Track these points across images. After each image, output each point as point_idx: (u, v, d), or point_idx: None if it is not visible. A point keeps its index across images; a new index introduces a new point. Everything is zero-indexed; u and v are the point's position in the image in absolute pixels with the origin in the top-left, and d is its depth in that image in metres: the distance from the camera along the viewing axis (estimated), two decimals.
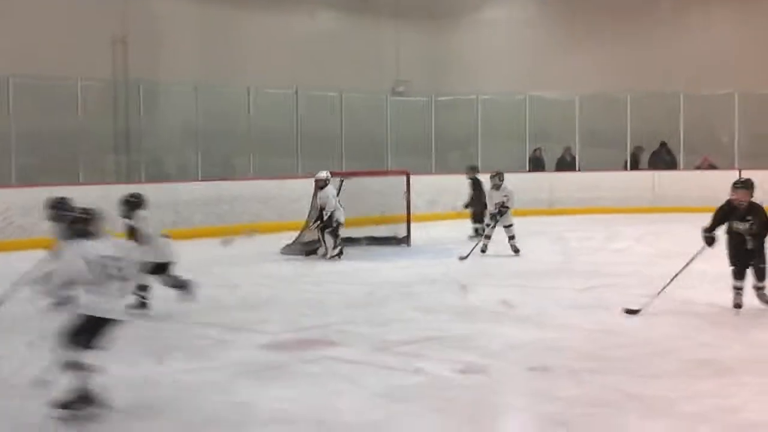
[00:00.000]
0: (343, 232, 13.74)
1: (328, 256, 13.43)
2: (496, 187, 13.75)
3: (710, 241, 8.99)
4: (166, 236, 9.64)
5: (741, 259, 8.84)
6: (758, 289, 8.81)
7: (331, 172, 14.12)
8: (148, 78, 18.20)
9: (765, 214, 8.87)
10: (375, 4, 23.05)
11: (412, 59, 23.34)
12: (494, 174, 13.93)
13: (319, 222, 13.52)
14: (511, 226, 13.59)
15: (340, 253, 13.47)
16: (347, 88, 20.35)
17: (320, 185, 13.67)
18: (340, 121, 20.22)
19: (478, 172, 16.78)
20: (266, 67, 19.93)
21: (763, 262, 8.71)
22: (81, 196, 15.36)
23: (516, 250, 13.45)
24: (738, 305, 8.83)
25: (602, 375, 6.55)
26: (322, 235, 13.54)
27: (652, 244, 15.11)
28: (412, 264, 13.04)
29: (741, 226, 8.83)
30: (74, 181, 16.17)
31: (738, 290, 8.87)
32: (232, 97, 19.05)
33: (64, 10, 17.66)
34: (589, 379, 6.43)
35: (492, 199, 13.75)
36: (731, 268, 8.94)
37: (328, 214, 13.34)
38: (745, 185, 9.07)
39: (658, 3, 23.14)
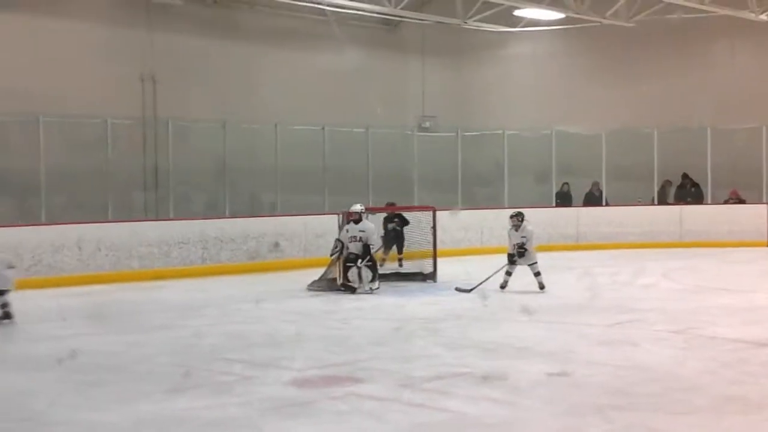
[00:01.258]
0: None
1: (367, 288, 13.48)
2: (516, 227, 13.50)
3: None
4: (11, 266, 11.06)
5: None
6: None
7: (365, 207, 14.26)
8: (176, 115, 18.35)
9: None
10: (401, 40, 23.22)
11: (438, 94, 23.45)
12: (514, 214, 13.68)
13: (349, 254, 13.61)
14: (535, 263, 13.41)
15: (377, 286, 13.59)
16: (374, 124, 20.45)
17: (355, 218, 13.76)
18: (366, 157, 20.29)
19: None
20: (293, 104, 20.07)
21: None
22: (110, 233, 15.71)
23: (542, 287, 13.30)
24: None
25: (630, 412, 6.50)
26: (357, 270, 13.58)
27: (679, 279, 15.01)
28: (438, 300, 13.03)
29: None
30: (104, 219, 16.32)
31: None
32: (259, 134, 19.18)
33: (93, 49, 17.90)
34: (615, 416, 6.39)
35: (511, 240, 13.52)
36: None
37: (375, 247, 13.62)
38: None
39: (683, 37, 23.09)
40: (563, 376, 7.72)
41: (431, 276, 14.95)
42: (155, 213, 18.19)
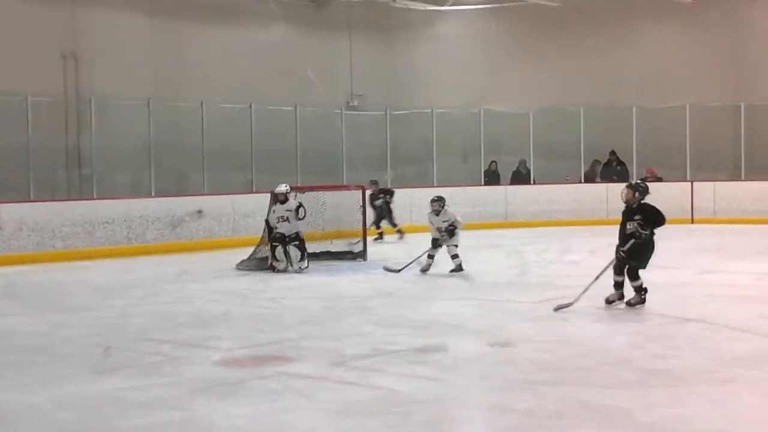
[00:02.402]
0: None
1: (296, 267, 13.40)
2: (436, 212, 12.96)
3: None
4: None
5: None
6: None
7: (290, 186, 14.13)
8: (100, 93, 18.01)
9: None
10: (329, 18, 23.07)
11: (367, 73, 23.39)
12: (435, 199, 13.08)
13: (276, 234, 13.52)
14: (456, 245, 12.95)
15: (306, 265, 13.52)
16: (302, 102, 20.31)
17: (281, 199, 13.68)
18: (295, 136, 20.15)
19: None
20: (220, 82, 19.84)
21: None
22: (32, 213, 15.37)
23: (460, 269, 12.85)
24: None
25: (560, 386, 6.55)
26: (283, 249, 13.51)
27: (607, 256, 15.12)
28: (369, 278, 13.01)
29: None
30: (25, 198, 15.95)
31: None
32: (186, 112, 18.92)
33: (12, 25, 17.46)
34: (545, 391, 6.43)
35: (433, 224, 13.00)
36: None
37: (298, 227, 13.54)
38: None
39: (610, 15, 23.39)
40: (494, 353, 7.75)
41: (361, 255, 14.94)
42: (79, 192, 17.85)
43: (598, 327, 8.89)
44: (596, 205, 21.47)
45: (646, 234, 9.71)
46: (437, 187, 21.22)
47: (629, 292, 9.78)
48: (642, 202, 9.93)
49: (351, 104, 22.99)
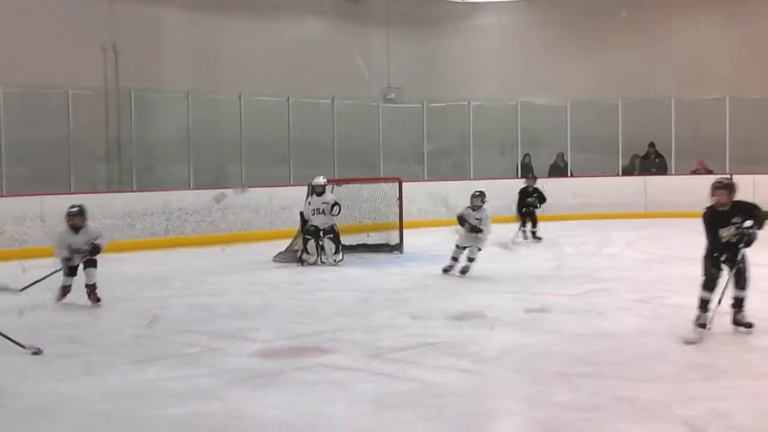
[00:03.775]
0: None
1: (331, 260, 13.43)
2: (475, 207, 12.35)
3: None
4: None
5: None
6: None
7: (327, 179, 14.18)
8: (139, 86, 18.15)
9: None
10: (365, 12, 23.08)
11: (403, 66, 23.38)
12: (477, 194, 12.49)
13: (310, 227, 13.55)
14: (480, 250, 12.28)
15: (341, 258, 13.54)
16: (339, 95, 20.34)
17: (318, 191, 13.70)
18: (331, 129, 20.19)
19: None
20: (258, 75, 19.92)
21: None
22: (71, 204, 15.52)
23: (465, 271, 12.15)
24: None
25: (596, 379, 6.53)
26: (316, 242, 13.54)
27: (644, 249, 15.11)
28: (405, 271, 13.03)
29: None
30: (66, 191, 16.13)
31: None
32: (224, 106, 19.02)
33: (54, 19, 17.65)
34: (582, 384, 6.42)
35: (466, 219, 12.30)
36: None
37: (332, 220, 13.58)
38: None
39: (647, 7, 23.20)
40: (530, 346, 7.73)
41: (397, 247, 14.95)
42: (118, 185, 18.02)
43: (634, 321, 8.83)
44: (634, 198, 21.34)
45: (753, 232, 8.02)
46: (473, 179, 21.23)
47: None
48: (735, 200, 8.21)
49: (388, 97, 22.99)
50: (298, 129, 19.38)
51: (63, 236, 10.25)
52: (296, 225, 14.48)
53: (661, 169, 22.56)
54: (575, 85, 22.67)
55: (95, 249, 10.11)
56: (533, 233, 16.79)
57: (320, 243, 13.55)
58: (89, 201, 15.73)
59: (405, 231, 15.16)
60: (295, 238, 14.30)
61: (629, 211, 20.73)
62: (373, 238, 15.14)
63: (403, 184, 15.49)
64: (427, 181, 20.99)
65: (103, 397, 6.23)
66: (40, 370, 7.06)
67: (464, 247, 12.22)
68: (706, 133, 21.91)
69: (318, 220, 13.61)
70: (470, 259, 12.19)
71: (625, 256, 14.28)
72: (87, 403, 6.09)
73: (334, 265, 13.37)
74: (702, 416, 5.62)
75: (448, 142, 22.41)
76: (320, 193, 13.74)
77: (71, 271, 10.16)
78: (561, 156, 22.62)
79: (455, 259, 12.27)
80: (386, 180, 16.62)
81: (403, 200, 15.31)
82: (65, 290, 10.14)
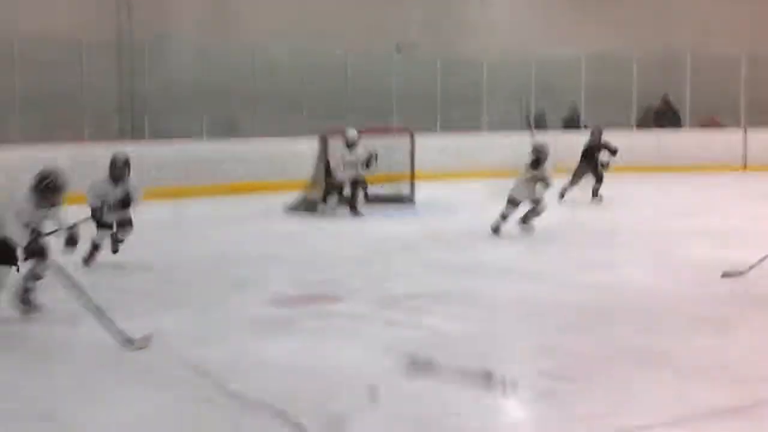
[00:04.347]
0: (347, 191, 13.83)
1: (358, 213, 13.46)
2: (536, 163, 11.55)
3: None
4: None
5: None
6: None
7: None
8: (152, 37, 18.09)
9: None
10: None
11: (418, 19, 23.15)
12: (539, 148, 11.73)
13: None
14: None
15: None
16: (352, 47, 20.23)
17: (350, 144, 13.65)
18: (345, 81, 20.11)
19: None
20: (272, 26, 19.79)
21: None
22: (86, 154, 15.55)
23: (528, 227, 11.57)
24: None
25: (606, 330, 6.60)
26: (340, 194, 13.55)
27: (658, 203, 15.09)
28: (417, 221, 13.07)
29: None
30: (79, 140, 16.15)
31: None
32: (237, 57, 18.92)
33: None
34: (590, 334, 6.49)
35: (524, 177, 11.57)
36: None
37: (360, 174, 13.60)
38: None
39: None
40: (542, 296, 7.79)
41: (409, 198, 14.98)
42: (132, 135, 18.03)
43: (647, 274, 8.87)
44: (647, 152, 21.21)
45: None
46: (488, 132, 21.20)
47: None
48: None
49: (402, 51, 22.81)
50: (310, 80, 19.30)
51: (100, 186, 9.26)
52: (307, 176, 14.50)
53: (675, 123, 22.45)
54: (591, 38, 22.43)
55: (128, 201, 9.30)
56: (596, 191, 15.30)
57: (345, 195, 13.58)
58: (103, 151, 15.90)
59: (417, 183, 15.17)
60: (309, 188, 14.33)
61: (642, 165, 20.63)
62: (386, 190, 15.15)
63: (416, 136, 15.46)
64: (440, 133, 20.90)
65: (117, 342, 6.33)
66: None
67: (516, 205, 11.42)
68: (721, 88, 21.73)
69: (349, 173, 13.60)
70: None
71: (640, 210, 14.27)
72: (99, 347, 6.17)
73: (358, 216, 13.34)
74: (708, 367, 5.69)
75: (461, 95, 22.26)
76: (352, 146, 13.69)
77: (104, 226, 9.29)
78: (575, 108, 22.52)
79: (505, 217, 11.40)
80: (398, 132, 16.58)
81: (416, 152, 15.30)
82: (95, 249, 9.29)
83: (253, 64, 18.60)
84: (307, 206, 13.99)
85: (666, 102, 22.61)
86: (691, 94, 21.85)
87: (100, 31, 17.71)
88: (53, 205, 7.17)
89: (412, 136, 15.36)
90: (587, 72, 21.88)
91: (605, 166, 15.43)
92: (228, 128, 18.96)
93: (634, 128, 22.29)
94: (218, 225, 12.79)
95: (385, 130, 16.87)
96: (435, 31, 23.00)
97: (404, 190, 15.11)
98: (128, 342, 6.07)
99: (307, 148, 15.11)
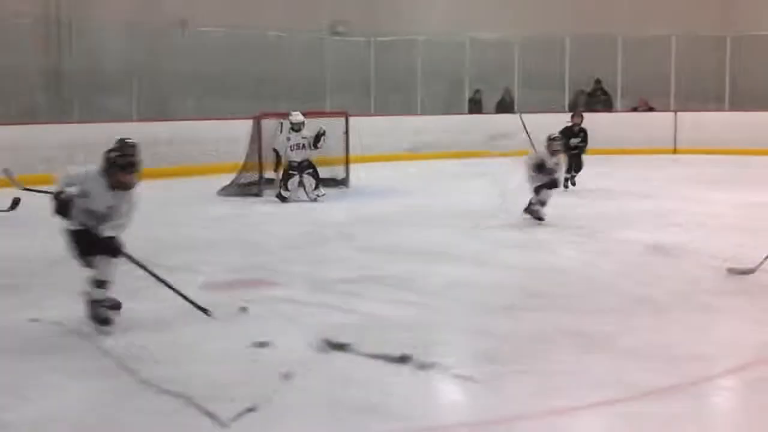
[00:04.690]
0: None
1: (313, 196, 13.21)
2: (556, 151, 11.42)
3: None
4: None
5: None
6: None
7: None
8: (80, 14, 17.67)
9: None
10: None
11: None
12: (557, 137, 11.67)
13: (291, 163, 13.27)
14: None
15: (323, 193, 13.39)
16: (284, 27, 20.01)
17: (296, 128, 13.40)
18: (277, 62, 19.89)
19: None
20: (203, 5, 19.47)
21: None
22: (11, 136, 15.15)
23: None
24: None
25: (541, 312, 6.60)
26: (299, 177, 13.31)
27: (590, 185, 15.18)
28: (352, 205, 12.98)
29: None
30: (4, 121, 15.74)
31: None
32: (168, 36, 18.61)
33: None
34: (527, 316, 6.48)
35: (546, 162, 11.26)
36: None
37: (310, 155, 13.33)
38: None
39: None
40: (477, 279, 7.77)
41: (344, 182, 14.88)
42: (59, 116, 17.60)
43: (581, 255, 8.93)
44: None
45: None
46: (421, 115, 21.16)
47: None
48: None
49: (335, 30, 22.66)
50: (243, 61, 19.05)
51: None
52: (240, 159, 14.31)
53: (607, 105, 22.69)
54: (523, 20, 22.53)
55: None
56: (572, 179, 14.76)
57: (301, 179, 13.34)
58: (30, 132, 15.54)
59: (351, 165, 15.08)
60: (241, 171, 14.14)
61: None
62: (321, 173, 15.02)
63: (350, 118, 15.36)
64: (375, 116, 20.83)
65: (47, 329, 6.15)
66: None
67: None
68: (652, 70, 21.99)
69: (299, 156, 13.34)
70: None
71: (573, 192, 14.36)
72: (29, 334, 6.00)
73: (316, 200, 13.15)
74: (644, 347, 5.71)
75: (395, 77, 22.21)
76: (298, 129, 13.45)
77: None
78: (508, 92, 22.60)
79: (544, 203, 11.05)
80: (333, 114, 16.47)
81: (350, 134, 15.20)
82: None
83: (183, 44, 18.30)
84: (240, 189, 13.81)
85: (598, 85, 22.83)
86: (623, 76, 22.08)
87: (26, 7, 17.25)
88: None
89: (346, 119, 15.26)
90: (520, 55, 21.96)
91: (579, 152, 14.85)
92: (158, 110, 18.64)
93: (567, 111, 22.43)
94: (148, 209, 12.48)
95: (319, 113, 16.72)
96: (368, 10, 22.85)
97: (339, 173, 15.00)
98: (207, 311, 6.26)
99: (239, 130, 14.88)
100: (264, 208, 12.66)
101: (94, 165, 6.27)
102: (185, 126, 17.52)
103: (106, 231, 6.12)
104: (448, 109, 21.84)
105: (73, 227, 6.17)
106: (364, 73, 21.50)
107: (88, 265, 6.18)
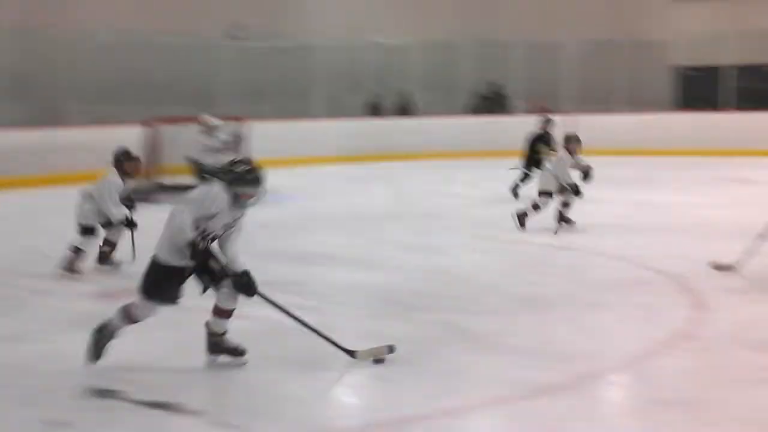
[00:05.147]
0: (175, 180, 13.46)
1: None
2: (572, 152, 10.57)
3: None
4: None
5: None
6: None
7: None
8: None
9: None
10: None
11: (247, 1, 22.80)
12: (576, 138, 10.79)
13: None
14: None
15: None
16: (180, 32, 19.72)
17: (212, 130, 13.19)
18: (171, 66, 19.57)
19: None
20: (93, 9, 19.06)
21: None
22: None
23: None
24: None
25: (432, 313, 6.66)
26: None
27: (486, 187, 15.35)
28: (249, 209, 12.80)
29: None
30: None
31: None
32: (57, 41, 18.15)
33: None
34: (418, 317, 6.52)
35: (560, 168, 10.51)
36: None
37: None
38: None
39: None
40: (369, 282, 7.78)
41: None
42: None
43: (474, 256, 9.03)
44: (476, 137, 21.62)
45: None
46: (321, 119, 21.06)
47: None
48: None
49: (231, 34, 22.40)
50: (136, 66, 18.70)
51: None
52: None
53: (502, 109, 23.05)
54: (423, 25, 22.72)
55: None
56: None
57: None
58: None
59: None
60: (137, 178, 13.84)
61: (471, 151, 21.00)
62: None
63: (247, 123, 15.22)
64: (271, 120, 20.66)
65: None
66: None
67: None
68: (546, 74, 22.40)
69: (213, 161, 13.10)
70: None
71: (468, 195, 14.50)
72: None
73: None
74: (529, 345, 5.80)
75: (294, 81, 22.10)
76: (212, 133, 13.23)
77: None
78: (407, 96, 22.75)
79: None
80: (228, 119, 16.23)
81: (246, 140, 15.05)
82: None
83: (74, 49, 17.87)
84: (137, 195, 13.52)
85: (495, 89, 23.16)
86: (521, 80, 22.43)
87: None
88: None
89: (245, 123, 15.10)
90: (419, 59, 22.13)
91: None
92: (51, 116, 18.14)
93: (465, 115, 22.73)
94: (32, 217, 12.23)
95: (221, 118, 16.49)
96: (266, 15, 22.70)
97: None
98: (354, 354, 5.45)
99: (130, 137, 14.57)
100: (153, 214, 12.37)
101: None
102: (76, 133, 17.07)
103: (234, 265, 5.65)
104: (347, 113, 21.83)
105: (175, 264, 5.54)
106: (261, 78, 21.31)
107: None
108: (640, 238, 9.81)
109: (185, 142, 13.96)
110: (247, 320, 6.47)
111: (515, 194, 12.24)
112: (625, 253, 8.89)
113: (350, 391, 5.21)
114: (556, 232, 10.03)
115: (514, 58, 22.33)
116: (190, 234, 5.33)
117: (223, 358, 5.50)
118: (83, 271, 8.19)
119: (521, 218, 10.35)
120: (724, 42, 22.20)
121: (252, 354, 5.59)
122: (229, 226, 5.64)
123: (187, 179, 13.55)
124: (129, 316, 5.52)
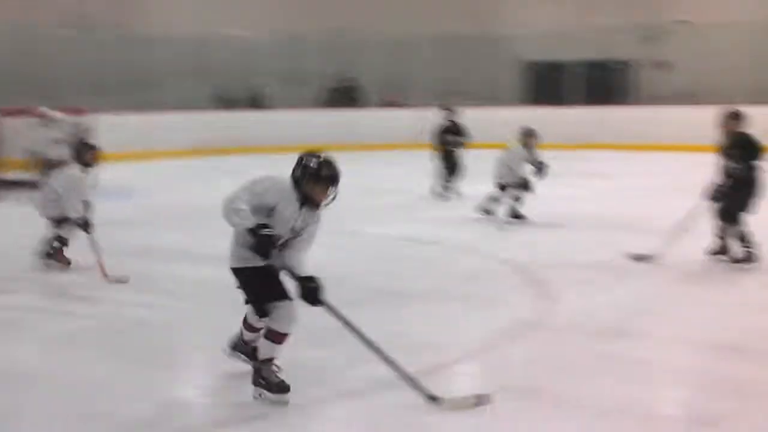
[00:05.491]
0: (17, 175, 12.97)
1: None
2: (531, 146, 10.64)
3: None
4: None
5: None
6: None
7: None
8: None
9: None
10: None
11: None
12: (532, 132, 10.79)
13: None
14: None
15: None
16: (18, 19, 19.00)
17: (51, 122, 12.71)
18: (13, 55, 18.85)
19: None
20: None
21: None
22: None
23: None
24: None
25: None
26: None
27: (346, 181, 15.34)
28: (96, 204, 12.45)
29: None
30: None
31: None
32: None
33: None
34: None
35: (519, 161, 10.62)
36: None
37: None
38: None
39: None
40: (217, 278, 7.65)
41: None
42: None
43: (335, 252, 8.99)
44: (331, 130, 21.65)
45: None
46: (171, 112, 20.63)
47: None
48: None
49: (75, 23, 21.73)
50: None
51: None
52: None
53: (354, 102, 23.18)
54: (272, 18, 22.60)
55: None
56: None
57: None
58: None
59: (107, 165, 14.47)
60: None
61: (322, 143, 20.98)
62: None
63: (91, 116, 14.77)
64: (117, 113, 20.11)
65: None
66: None
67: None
68: (401, 68, 22.65)
69: (55, 154, 12.62)
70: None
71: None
72: None
73: None
74: (385, 336, 5.79)
75: (141, 74, 21.60)
76: (53, 125, 12.78)
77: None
78: (262, 88, 22.62)
79: (497, 200, 10.78)
80: (71, 111, 15.71)
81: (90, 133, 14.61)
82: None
83: None
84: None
85: (346, 82, 23.26)
86: (373, 74, 22.59)
87: None
88: None
89: (88, 116, 14.67)
90: (269, 51, 22.01)
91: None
92: None
93: (316, 108, 22.76)
94: None
95: (62, 110, 15.97)
96: (113, 5, 22.15)
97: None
98: (437, 399, 4.77)
99: None
100: (4, 210, 11.97)
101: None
102: None
103: (299, 269, 4.90)
104: (196, 106, 21.51)
105: (254, 263, 4.89)
106: (106, 69, 20.73)
107: (264, 313, 4.96)
108: (495, 231, 10.01)
109: (26, 135, 13.46)
110: (89, 319, 6.33)
111: (486, 211, 10.96)
112: (479, 246, 9.08)
113: (196, 392, 5.13)
114: (500, 228, 10.15)
115: (367, 52, 22.45)
116: (245, 218, 4.75)
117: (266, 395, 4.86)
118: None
119: (489, 214, 10.66)
120: (570, 38, 22.87)
121: (92, 354, 5.42)
122: (297, 232, 4.95)
123: (29, 174, 13.11)
124: (274, 338, 4.91)
